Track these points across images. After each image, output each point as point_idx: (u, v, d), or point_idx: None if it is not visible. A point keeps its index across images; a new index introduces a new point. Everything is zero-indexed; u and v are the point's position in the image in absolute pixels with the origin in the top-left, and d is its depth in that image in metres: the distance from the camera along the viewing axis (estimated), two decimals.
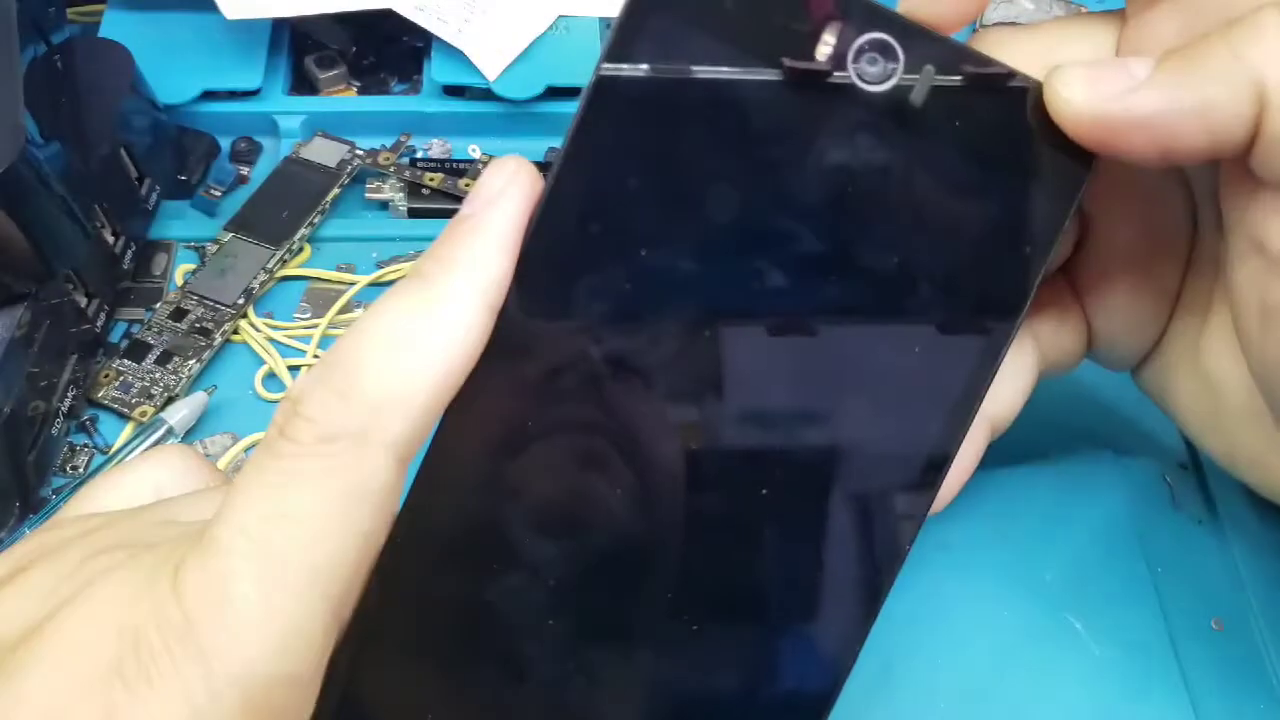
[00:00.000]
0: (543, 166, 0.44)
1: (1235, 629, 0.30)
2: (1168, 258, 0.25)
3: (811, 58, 0.20)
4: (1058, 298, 0.26)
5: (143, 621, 0.17)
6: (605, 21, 0.47)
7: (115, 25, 0.46)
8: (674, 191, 0.20)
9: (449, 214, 0.43)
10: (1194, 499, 0.32)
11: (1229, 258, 0.22)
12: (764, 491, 0.21)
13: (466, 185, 0.43)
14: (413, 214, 0.43)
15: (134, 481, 0.23)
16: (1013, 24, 0.49)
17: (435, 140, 0.46)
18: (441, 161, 0.44)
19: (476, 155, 0.45)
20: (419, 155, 0.45)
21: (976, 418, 0.21)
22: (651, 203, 0.20)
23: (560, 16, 0.46)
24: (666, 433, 0.20)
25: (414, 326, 0.19)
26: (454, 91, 0.46)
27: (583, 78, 0.19)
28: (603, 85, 0.19)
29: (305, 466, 0.18)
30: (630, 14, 0.19)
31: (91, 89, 0.39)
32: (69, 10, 0.47)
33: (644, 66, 0.19)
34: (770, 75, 0.20)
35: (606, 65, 0.19)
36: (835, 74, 0.20)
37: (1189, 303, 0.25)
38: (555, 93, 0.45)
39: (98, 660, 0.17)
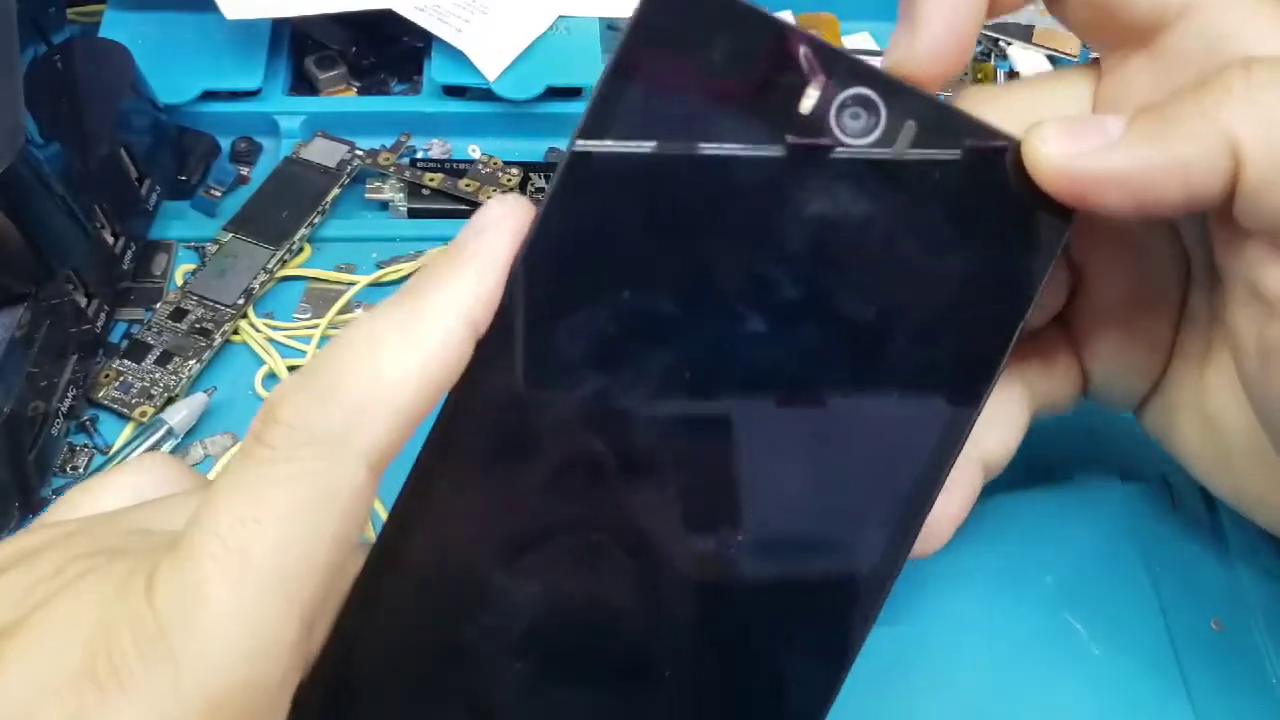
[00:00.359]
0: (543, 166, 0.44)
1: (1235, 630, 0.30)
2: (1161, 304, 0.25)
3: (794, 112, 0.20)
4: (1048, 345, 0.26)
5: (116, 625, 0.17)
6: (605, 21, 0.47)
7: (115, 25, 0.46)
8: (652, 245, 0.20)
9: (449, 214, 0.43)
10: (1194, 499, 0.32)
11: (1225, 301, 0.22)
12: (738, 538, 0.21)
13: (466, 185, 0.43)
14: (413, 214, 0.43)
15: (117, 488, 0.23)
16: (1014, 24, 0.49)
17: (435, 140, 0.46)
18: (441, 162, 0.44)
19: (476, 155, 0.45)
20: (419, 155, 0.45)
21: (970, 462, 0.21)
22: (630, 253, 0.20)
23: (560, 16, 0.46)
24: (638, 483, 0.21)
25: (393, 339, 0.19)
26: (454, 92, 0.46)
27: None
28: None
29: (279, 471, 0.18)
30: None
31: (91, 89, 0.39)
32: (69, 10, 0.47)
33: (626, 109, 0.20)
34: (753, 130, 0.20)
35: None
36: (818, 128, 0.20)
37: (1187, 346, 0.25)
38: (555, 93, 0.44)
39: (70, 662, 0.17)
